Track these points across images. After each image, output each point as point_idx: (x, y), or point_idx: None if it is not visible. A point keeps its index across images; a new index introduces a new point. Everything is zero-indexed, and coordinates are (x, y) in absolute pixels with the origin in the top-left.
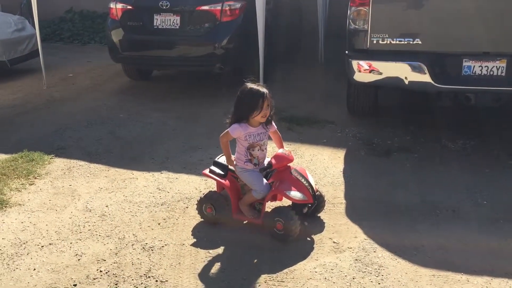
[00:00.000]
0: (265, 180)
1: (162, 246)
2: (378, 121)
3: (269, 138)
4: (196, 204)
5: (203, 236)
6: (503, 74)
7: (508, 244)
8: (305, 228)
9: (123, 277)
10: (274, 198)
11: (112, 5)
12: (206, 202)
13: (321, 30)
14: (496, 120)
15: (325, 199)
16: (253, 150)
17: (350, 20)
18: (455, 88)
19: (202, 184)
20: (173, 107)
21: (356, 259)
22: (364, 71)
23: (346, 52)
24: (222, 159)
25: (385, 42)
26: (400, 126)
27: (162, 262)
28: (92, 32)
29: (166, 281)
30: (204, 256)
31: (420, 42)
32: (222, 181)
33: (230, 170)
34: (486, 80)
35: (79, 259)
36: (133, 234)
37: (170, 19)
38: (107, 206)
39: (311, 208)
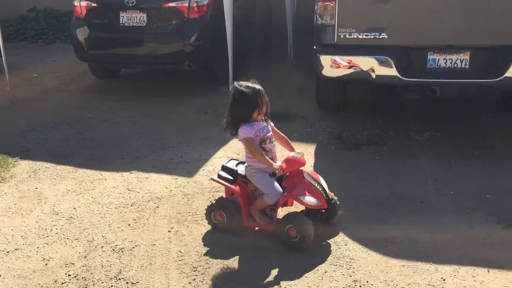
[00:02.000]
0: (277, 184)
1: (133, 247)
2: (348, 115)
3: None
4: (205, 211)
5: (174, 236)
6: (467, 66)
7: (474, 232)
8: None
9: (92, 280)
10: (285, 204)
11: (76, 3)
12: (215, 209)
13: (290, 26)
14: (460, 111)
15: (338, 204)
16: (265, 144)
17: (317, 15)
18: (421, 81)
19: (172, 183)
20: (141, 105)
21: (327, 253)
22: (332, 66)
23: (314, 47)
24: (230, 164)
25: (352, 36)
26: (369, 120)
27: (132, 263)
28: (57, 31)
29: (137, 282)
30: (175, 256)
31: (386, 36)
32: (232, 186)
33: (240, 175)
34: (450, 73)
35: (46, 264)
36: (103, 236)
37: (136, 16)
38: (75, 209)
39: (324, 214)
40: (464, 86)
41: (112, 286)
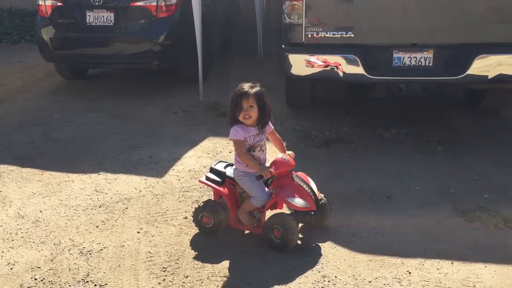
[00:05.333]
0: (265, 187)
1: (101, 249)
2: (316, 113)
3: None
4: (192, 213)
5: (143, 237)
6: (430, 64)
7: (438, 225)
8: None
9: (59, 284)
10: (274, 206)
11: (41, 2)
12: (202, 211)
13: (259, 25)
14: (426, 108)
15: (330, 206)
16: (254, 151)
17: (285, 15)
18: (387, 79)
19: (142, 184)
20: (109, 106)
21: (296, 249)
22: (300, 65)
23: (283, 46)
24: (219, 166)
25: (320, 35)
26: (337, 118)
27: (101, 265)
28: (22, 31)
29: (106, 284)
30: (145, 257)
31: (353, 35)
32: (220, 188)
33: (228, 177)
34: (415, 71)
35: (11, 268)
36: (70, 239)
37: (103, 16)
38: (41, 212)
39: (313, 216)
40: (428, 83)
41: None
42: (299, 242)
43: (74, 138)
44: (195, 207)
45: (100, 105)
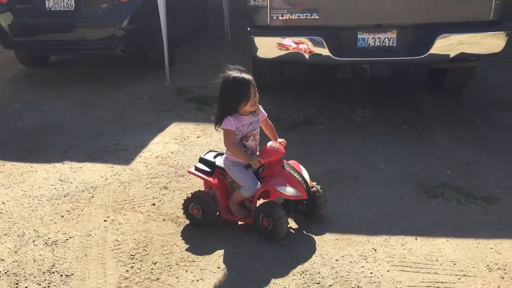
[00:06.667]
0: (254, 176)
1: (67, 239)
2: (284, 96)
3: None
4: (182, 205)
5: (110, 225)
6: (394, 44)
7: (403, 203)
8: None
9: (24, 276)
10: (266, 196)
11: None
12: (192, 203)
13: (226, 8)
14: (391, 89)
15: (324, 194)
16: (247, 141)
17: None
18: (352, 60)
19: (108, 172)
20: (73, 93)
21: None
22: (266, 48)
23: (248, 29)
24: (209, 155)
25: (284, 17)
26: (305, 100)
27: (67, 255)
28: None
29: (72, 274)
30: (112, 245)
31: (317, 17)
32: (209, 179)
33: (218, 166)
34: (379, 51)
35: None
36: (34, 230)
37: (63, 0)
38: (3, 203)
39: (305, 205)
40: (393, 63)
41: (45, 280)
42: (292, 231)
43: (37, 127)
44: (183, 199)
45: (64, 92)
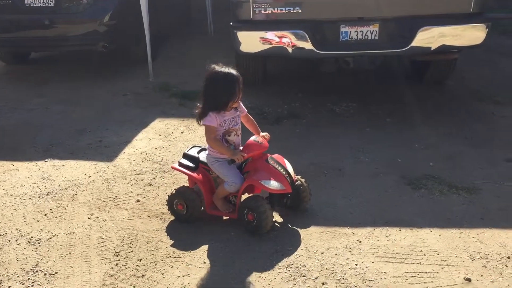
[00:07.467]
0: (238, 171)
1: (50, 238)
2: (268, 90)
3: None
4: (166, 201)
5: (94, 223)
6: (377, 37)
7: (387, 195)
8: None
9: (7, 275)
10: (251, 190)
11: None
12: (176, 199)
13: (209, 3)
14: (375, 82)
15: (308, 187)
16: (229, 136)
17: None
18: (335, 53)
19: (91, 169)
20: (55, 90)
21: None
22: (249, 42)
23: (231, 23)
24: (192, 151)
25: (267, 11)
26: (289, 94)
27: (50, 254)
28: None
29: (56, 273)
30: (96, 242)
31: (300, 11)
32: (193, 174)
33: (202, 162)
34: (362, 44)
35: None
36: (17, 229)
37: None
38: None
39: (289, 198)
40: (375, 56)
41: (29, 279)
42: (277, 225)
43: (18, 125)
44: (168, 195)
45: (45, 90)
